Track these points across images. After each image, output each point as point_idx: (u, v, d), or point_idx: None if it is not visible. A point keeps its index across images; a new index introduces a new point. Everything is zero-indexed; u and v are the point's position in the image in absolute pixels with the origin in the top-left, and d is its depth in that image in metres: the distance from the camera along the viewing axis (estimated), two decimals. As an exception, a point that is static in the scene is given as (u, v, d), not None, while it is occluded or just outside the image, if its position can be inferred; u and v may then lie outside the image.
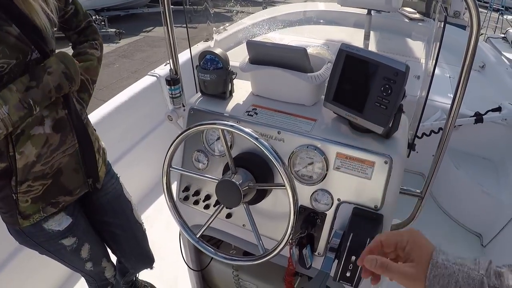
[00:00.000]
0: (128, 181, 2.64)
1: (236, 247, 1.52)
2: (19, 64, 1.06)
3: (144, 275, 2.27)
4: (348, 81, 1.10)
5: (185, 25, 1.82)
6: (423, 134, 2.49)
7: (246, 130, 0.97)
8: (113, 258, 1.77)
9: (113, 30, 8.42)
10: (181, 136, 1.07)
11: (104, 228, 1.60)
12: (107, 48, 7.75)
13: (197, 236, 1.21)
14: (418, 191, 1.33)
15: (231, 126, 0.99)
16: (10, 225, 1.28)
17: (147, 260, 1.89)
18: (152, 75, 2.82)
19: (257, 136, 0.96)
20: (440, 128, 2.43)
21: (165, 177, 1.16)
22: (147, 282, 2.27)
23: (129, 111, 2.61)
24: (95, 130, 1.45)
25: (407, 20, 3.69)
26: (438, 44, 1.57)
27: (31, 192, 1.20)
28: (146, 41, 8.32)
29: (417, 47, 3.26)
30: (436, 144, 1.22)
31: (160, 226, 2.69)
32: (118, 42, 8.25)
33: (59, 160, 1.21)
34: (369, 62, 1.02)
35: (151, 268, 1.95)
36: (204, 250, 1.21)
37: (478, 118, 2.56)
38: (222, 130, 1.04)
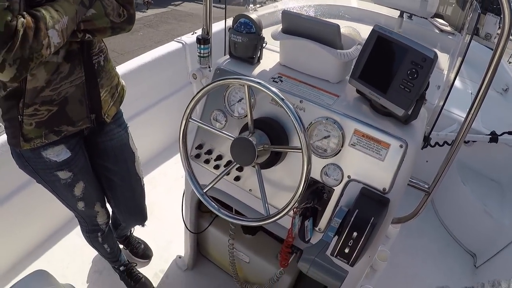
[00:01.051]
0: (138, 140, 2.68)
1: (237, 211, 1.54)
2: None
3: (138, 233, 2.32)
4: (376, 61, 1.11)
5: (221, 5, 1.84)
6: (436, 143, 2.49)
7: (273, 89, 0.99)
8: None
9: (142, -1, 8.46)
10: (207, 87, 1.08)
11: (103, 173, 1.61)
12: (133, 15, 7.76)
13: (204, 191, 1.23)
14: (426, 186, 1.34)
15: (258, 83, 1.00)
16: (12, 146, 1.30)
17: (140, 216, 1.90)
18: (178, 42, 2.84)
19: (283, 97, 0.98)
20: (446, 142, 2.44)
21: (184, 122, 1.16)
22: (140, 239, 2.30)
23: (150, 72, 2.63)
24: (115, 68, 1.47)
25: (437, 31, 3.67)
26: (461, 58, 1.59)
27: (37, 116, 1.22)
28: (173, 14, 8.32)
29: (443, 59, 3.24)
30: (444, 156, 1.25)
31: (162, 189, 2.72)
32: (145, 12, 8.26)
33: (67, 89, 1.22)
34: (399, 45, 1.04)
35: (143, 225, 1.95)
36: (207, 204, 1.23)
37: (493, 137, 2.55)
38: (249, 86, 1.05)
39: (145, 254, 2.24)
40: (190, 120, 1.15)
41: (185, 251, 2.13)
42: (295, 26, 1.26)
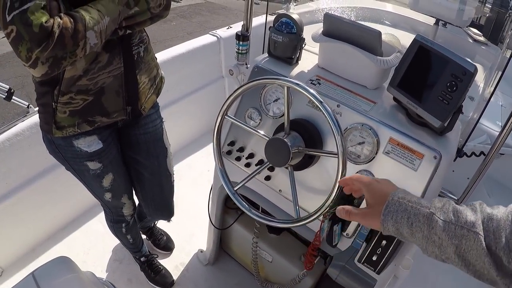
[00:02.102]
0: (168, 131, 2.70)
1: (264, 210, 1.53)
2: None
3: (161, 224, 2.35)
4: (416, 71, 1.09)
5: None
6: (472, 153, 2.43)
7: (312, 91, 0.98)
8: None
9: (177, -11, 8.51)
10: (247, 85, 1.09)
11: (133, 165, 1.61)
12: (167, 5, 7.81)
13: (235, 189, 1.23)
14: (455, 197, 1.32)
15: (298, 84, 1.00)
16: (44, 132, 1.30)
17: (166, 212, 1.89)
18: (213, 35, 2.85)
19: (321, 100, 0.97)
20: (482, 152, 2.37)
21: (220, 117, 1.16)
22: (163, 231, 2.32)
23: (183, 64, 2.64)
24: (156, 58, 1.47)
25: (470, 41, 3.59)
26: (500, 72, 1.55)
27: (71, 105, 1.21)
28: (206, 6, 8.35)
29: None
30: (473, 167, 1.21)
31: (187, 182, 2.74)
32: (179, 2, 8.31)
33: (104, 79, 1.22)
34: (440, 56, 1.02)
35: (169, 221, 1.95)
36: (238, 203, 1.23)
37: (525, 152, 2.48)
38: (288, 88, 1.05)
39: (167, 246, 2.26)
40: (226, 117, 1.16)
41: (207, 245, 2.15)
42: (336, 29, 1.25)
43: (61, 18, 0.96)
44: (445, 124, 1.05)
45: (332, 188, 1.02)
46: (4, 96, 1.92)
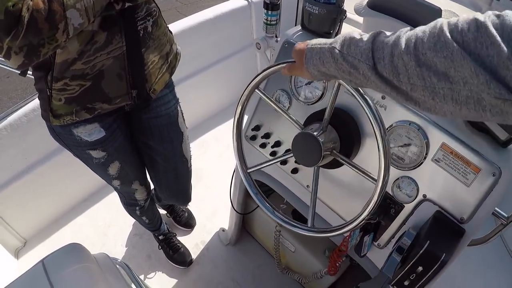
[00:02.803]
0: (193, 101, 2.58)
1: (288, 203, 1.38)
2: None
3: (183, 200, 2.26)
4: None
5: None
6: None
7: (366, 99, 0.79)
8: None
9: None
10: (271, 69, 0.91)
11: (146, 151, 1.47)
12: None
13: (248, 171, 1.10)
14: (505, 215, 1.11)
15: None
16: (44, 118, 1.18)
17: (182, 199, 1.78)
18: None
19: (363, 92, 0.78)
20: None
21: (239, 110, 1.02)
22: (185, 208, 2.23)
23: (211, 30, 2.46)
24: (170, 32, 1.29)
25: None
26: None
27: (67, 92, 1.07)
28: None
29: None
30: None
31: (213, 155, 2.62)
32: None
33: (103, 62, 1.05)
34: None
35: (185, 206, 1.85)
36: (261, 205, 1.09)
37: None
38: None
39: (188, 223, 2.18)
40: (256, 90, 0.99)
41: (229, 225, 2.04)
42: (386, 2, 1.03)
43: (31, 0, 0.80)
44: (512, 136, 0.83)
45: (371, 197, 0.85)
46: (19, 72, 1.83)
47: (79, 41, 0.97)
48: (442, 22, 0.55)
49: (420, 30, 0.57)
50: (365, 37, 0.65)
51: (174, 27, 2.26)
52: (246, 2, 2.61)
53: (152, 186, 1.68)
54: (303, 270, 1.78)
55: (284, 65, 0.84)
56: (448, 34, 0.52)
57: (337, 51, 0.68)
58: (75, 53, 0.99)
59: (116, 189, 1.53)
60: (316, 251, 1.65)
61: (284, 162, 1.25)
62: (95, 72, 1.06)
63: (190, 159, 1.62)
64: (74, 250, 1.20)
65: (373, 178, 0.86)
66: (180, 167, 1.57)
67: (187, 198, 1.79)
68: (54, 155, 1.99)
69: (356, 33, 0.68)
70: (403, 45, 0.57)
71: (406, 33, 0.59)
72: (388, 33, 0.63)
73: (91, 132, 1.19)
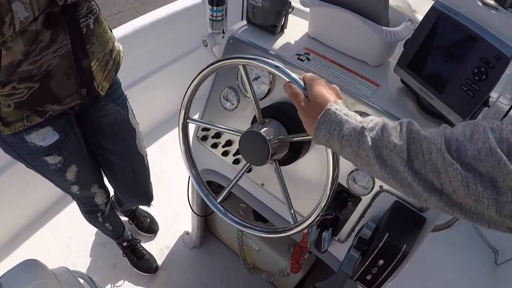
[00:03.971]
0: (150, 103, 2.51)
1: (247, 205, 1.35)
2: None
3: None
4: (433, 49, 0.84)
5: None
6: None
7: (293, 75, 0.76)
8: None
9: None
10: (211, 67, 0.87)
11: (101, 152, 1.43)
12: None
13: (218, 201, 1.05)
14: None
15: (276, 67, 0.77)
16: None
17: (144, 198, 1.73)
18: None
19: (304, 86, 0.75)
20: None
21: (181, 127, 0.97)
22: (147, 213, 2.16)
23: (164, 30, 2.38)
24: (110, 30, 1.25)
25: (480, 4, 3.28)
26: None
27: (15, 96, 1.02)
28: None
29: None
30: None
31: (173, 156, 2.55)
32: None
33: (49, 61, 1.01)
34: (466, 32, 0.76)
35: (149, 206, 1.79)
36: (213, 207, 1.05)
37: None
38: (244, 65, 0.83)
39: (150, 228, 2.12)
40: (188, 121, 0.96)
41: (192, 228, 1.99)
42: (331, -9, 1.00)
43: None
44: (467, 119, 0.82)
45: (322, 192, 0.82)
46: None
47: (23, 41, 0.93)
48: (485, 127, 0.50)
49: (459, 133, 0.52)
50: (398, 126, 0.60)
51: (127, 27, 2.17)
52: (199, -1, 2.55)
53: (111, 190, 1.62)
54: (269, 268, 1.75)
55: (299, 94, 0.73)
56: (493, 143, 0.48)
57: (368, 134, 0.61)
58: (21, 54, 0.94)
59: (75, 195, 1.46)
60: (280, 248, 1.63)
61: (236, 162, 1.22)
62: (42, 72, 1.01)
63: (146, 156, 1.57)
64: (31, 267, 1.15)
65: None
66: (137, 164, 1.52)
67: (149, 197, 1.73)
68: (8, 168, 1.87)
69: (385, 119, 0.64)
70: (443, 145, 0.52)
71: (443, 132, 0.54)
72: (419, 126, 0.59)
73: (44, 137, 1.14)
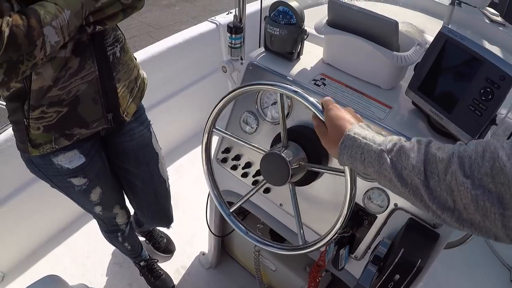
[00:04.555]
0: (167, 126, 2.58)
1: (264, 224, 1.39)
2: None
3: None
4: (442, 72, 0.90)
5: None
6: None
7: (311, 99, 0.81)
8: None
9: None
10: (233, 93, 0.93)
11: (124, 175, 1.48)
12: (171, -12, 7.58)
13: (230, 211, 1.08)
14: None
15: (295, 92, 0.83)
16: (21, 151, 1.18)
17: (165, 220, 1.77)
18: (212, 22, 2.65)
19: (322, 109, 0.80)
20: None
21: (206, 135, 1.02)
22: (164, 233, 2.20)
23: (181, 54, 2.47)
24: (135, 58, 1.31)
25: (487, 21, 3.33)
26: None
27: (45, 119, 1.08)
28: (211, -12, 8.09)
29: (496, 53, 2.93)
30: None
31: (190, 178, 2.60)
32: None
33: (77, 87, 1.07)
34: (472, 55, 0.82)
35: (168, 228, 1.83)
36: (234, 226, 1.09)
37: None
38: (282, 94, 0.88)
39: (167, 248, 2.15)
40: (214, 130, 1.00)
41: (209, 249, 2.02)
42: (343, 19, 1.06)
43: (10, 16, 0.80)
44: (476, 138, 0.86)
45: (340, 211, 0.86)
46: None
47: (53, 68, 0.99)
48: (496, 145, 0.54)
49: (472, 150, 0.56)
50: (415, 146, 0.64)
51: (145, 52, 2.27)
52: (214, 25, 2.64)
53: (131, 210, 1.67)
54: (285, 287, 1.77)
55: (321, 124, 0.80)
56: (504, 160, 0.51)
57: (387, 156, 0.65)
58: (50, 80, 1.00)
59: (97, 216, 1.51)
60: (296, 268, 1.65)
61: (255, 183, 1.26)
62: (71, 97, 1.07)
63: (168, 180, 1.62)
64: (52, 282, 1.20)
65: (342, 172, 0.86)
66: (159, 188, 1.57)
67: (170, 219, 1.78)
68: (29, 186, 1.94)
69: (403, 139, 0.68)
70: (457, 164, 0.56)
71: (457, 151, 0.58)
72: (437, 144, 0.63)
73: (71, 159, 1.19)
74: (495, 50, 3.04)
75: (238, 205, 1.06)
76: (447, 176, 0.57)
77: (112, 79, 1.16)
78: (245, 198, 1.05)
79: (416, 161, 0.62)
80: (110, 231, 1.65)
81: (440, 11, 2.90)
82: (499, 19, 3.34)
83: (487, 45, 3.11)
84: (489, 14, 3.26)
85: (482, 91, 0.80)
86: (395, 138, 0.69)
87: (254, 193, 1.04)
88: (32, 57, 0.86)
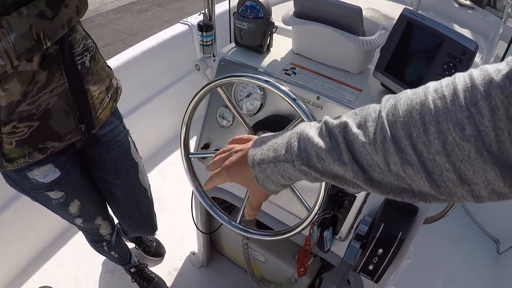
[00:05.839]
0: (146, 130, 2.59)
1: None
2: None
3: (150, 229, 2.23)
4: (406, 52, 0.94)
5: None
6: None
7: (283, 88, 0.84)
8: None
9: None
10: (207, 87, 0.95)
11: (104, 186, 1.47)
12: (142, -6, 7.55)
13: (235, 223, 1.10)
14: None
15: (266, 81, 0.86)
16: None
17: (149, 229, 1.77)
18: (184, 23, 2.67)
19: (294, 97, 0.83)
20: None
21: (184, 130, 1.04)
22: (153, 237, 2.20)
23: (155, 58, 2.48)
24: (109, 67, 1.30)
25: (456, 5, 3.42)
26: (502, 42, 1.40)
27: (16, 134, 1.07)
28: (182, -9, 8.08)
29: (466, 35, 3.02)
30: None
31: (173, 181, 2.61)
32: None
33: (47, 100, 1.06)
34: (433, 34, 0.86)
35: (153, 235, 1.84)
36: (216, 216, 1.10)
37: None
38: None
39: (157, 252, 2.15)
40: (190, 156, 1.05)
41: (199, 248, 2.04)
42: (309, 9, 1.10)
43: None
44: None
45: (318, 194, 0.89)
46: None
47: (20, 82, 0.98)
48: (428, 95, 0.46)
49: (397, 115, 0.46)
50: (323, 133, 0.53)
51: (119, 58, 2.27)
52: (187, 27, 2.66)
53: (116, 220, 1.67)
54: (277, 278, 1.80)
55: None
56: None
57: (303, 167, 0.55)
58: (19, 95, 1.00)
59: (79, 227, 1.51)
60: (286, 257, 1.68)
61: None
62: (41, 111, 1.06)
63: (149, 188, 1.62)
64: None
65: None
66: (140, 197, 1.57)
67: (153, 228, 1.78)
68: (12, 203, 1.92)
69: (310, 127, 0.57)
70: (395, 151, 0.45)
71: (382, 118, 0.48)
72: (345, 121, 0.52)
73: (46, 174, 1.18)
74: (465, 32, 3.14)
75: (240, 215, 1.05)
76: (391, 166, 0.47)
77: (83, 90, 1.14)
78: (243, 204, 1.04)
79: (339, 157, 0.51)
80: (95, 241, 1.64)
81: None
82: (467, 2, 3.44)
83: (457, 28, 3.20)
84: (458, -2, 3.33)
85: (445, 66, 0.85)
86: (296, 133, 0.58)
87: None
88: None
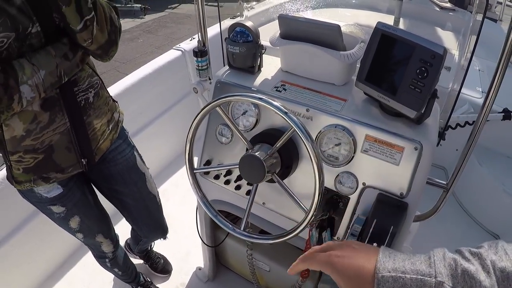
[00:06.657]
0: (146, 154, 2.64)
1: (252, 225, 1.50)
2: (17, 38, 0.98)
3: (156, 247, 2.30)
4: (382, 62, 1.05)
5: (213, 3, 1.78)
6: (449, 126, 2.41)
7: (275, 103, 0.94)
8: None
9: (139, 5, 8.30)
10: (208, 107, 1.04)
11: (114, 195, 1.57)
12: (131, 23, 7.74)
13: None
14: (444, 182, 1.29)
15: (260, 98, 0.96)
16: (9, 181, 1.29)
17: (160, 231, 1.85)
18: (177, 49, 2.79)
19: (286, 111, 0.93)
20: (467, 122, 2.36)
21: (188, 147, 1.13)
22: (161, 254, 2.27)
23: (152, 84, 2.59)
24: (113, 100, 1.41)
25: (437, 9, 3.56)
26: (474, 37, 1.51)
27: (23, 163, 1.19)
28: (171, 17, 8.24)
29: (448, 38, 3.14)
30: (459, 138, 1.18)
31: (176, 201, 2.69)
32: (143, 18, 8.17)
33: (50, 138, 1.18)
34: (405, 43, 0.98)
35: (165, 238, 1.92)
36: (221, 224, 1.19)
37: (506, 114, 2.45)
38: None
39: (164, 269, 2.22)
40: (195, 171, 1.15)
41: (204, 263, 2.10)
42: (293, 30, 1.21)
43: None
44: (422, 112, 1.01)
45: (313, 197, 0.98)
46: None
47: (21, 120, 1.10)
48: None
49: None
50: (472, 265, 0.51)
51: (118, 86, 2.38)
52: (180, 52, 2.78)
53: (119, 238, 1.76)
54: (282, 286, 1.85)
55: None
56: None
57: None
58: (22, 131, 1.12)
59: (82, 242, 1.60)
60: (289, 264, 1.67)
61: (238, 187, 1.37)
62: (45, 147, 1.18)
63: (158, 194, 1.73)
64: None
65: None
66: (150, 203, 1.67)
67: (164, 230, 1.86)
68: (22, 227, 1.99)
69: (449, 254, 0.57)
70: None
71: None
72: (491, 253, 0.53)
73: (49, 190, 1.30)
74: (447, 34, 3.26)
75: (244, 222, 1.14)
76: None
77: (85, 129, 1.26)
78: (247, 212, 1.12)
79: (490, 283, 0.49)
80: (99, 256, 1.74)
81: (391, 7, 3.11)
82: (447, 5, 3.58)
83: (439, 31, 3.33)
84: (437, 1, 3.47)
85: (418, 71, 0.96)
86: (443, 255, 0.56)
87: (251, 202, 1.12)
88: (11, 109, 1.01)
